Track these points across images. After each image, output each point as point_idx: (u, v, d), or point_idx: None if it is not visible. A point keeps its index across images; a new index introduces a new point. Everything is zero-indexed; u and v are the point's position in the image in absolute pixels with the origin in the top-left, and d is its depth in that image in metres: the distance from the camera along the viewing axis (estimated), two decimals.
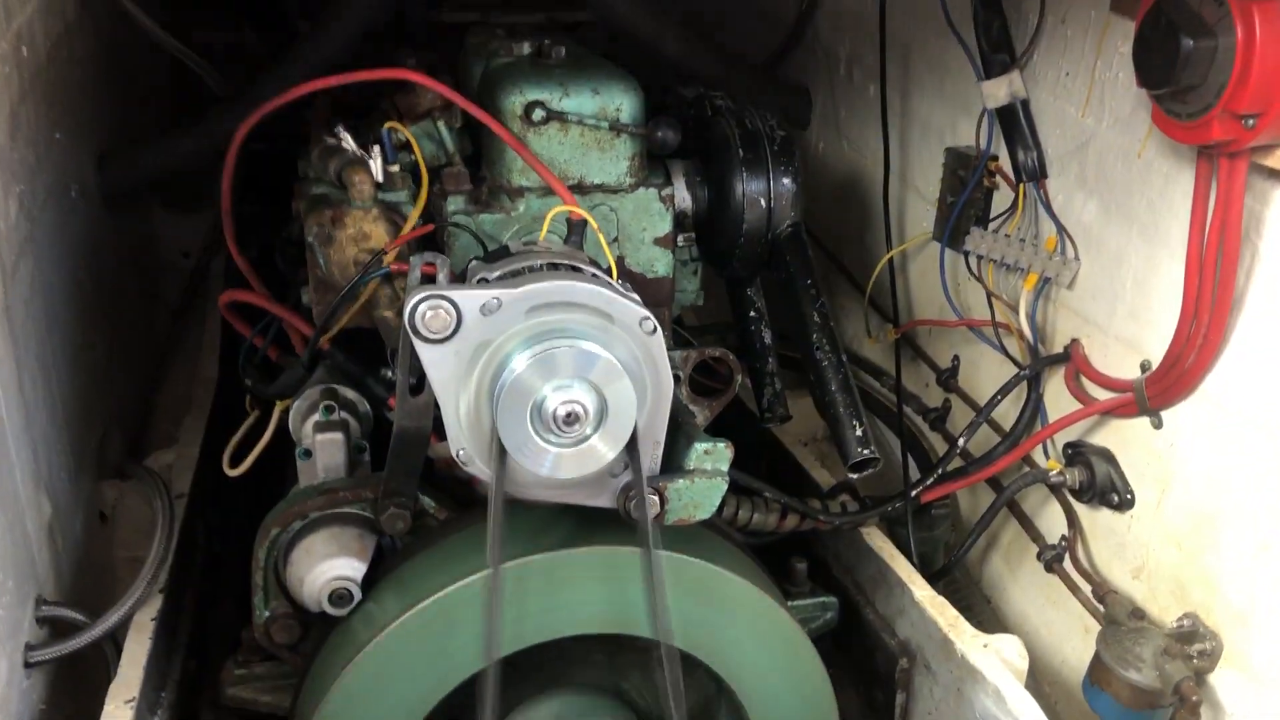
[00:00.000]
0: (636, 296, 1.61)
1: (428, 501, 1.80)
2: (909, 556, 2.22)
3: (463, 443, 1.55)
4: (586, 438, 1.51)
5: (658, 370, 1.58)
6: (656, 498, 1.62)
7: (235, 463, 2.08)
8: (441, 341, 1.49)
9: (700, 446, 1.65)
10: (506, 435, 1.50)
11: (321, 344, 1.82)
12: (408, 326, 1.48)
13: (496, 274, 1.60)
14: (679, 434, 1.70)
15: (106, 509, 2.62)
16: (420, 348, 1.50)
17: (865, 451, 1.88)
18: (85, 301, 2.54)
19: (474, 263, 1.66)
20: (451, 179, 1.88)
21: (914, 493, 2.26)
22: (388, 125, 1.82)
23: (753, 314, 2.26)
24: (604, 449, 1.52)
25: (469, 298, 1.49)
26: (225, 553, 2.53)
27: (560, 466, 1.51)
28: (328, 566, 1.74)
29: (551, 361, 1.49)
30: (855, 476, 1.97)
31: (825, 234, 3.16)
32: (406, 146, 1.88)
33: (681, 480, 1.63)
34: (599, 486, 1.63)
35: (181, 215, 3.59)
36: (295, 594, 1.79)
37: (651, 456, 1.63)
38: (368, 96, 2.11)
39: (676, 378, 1.93)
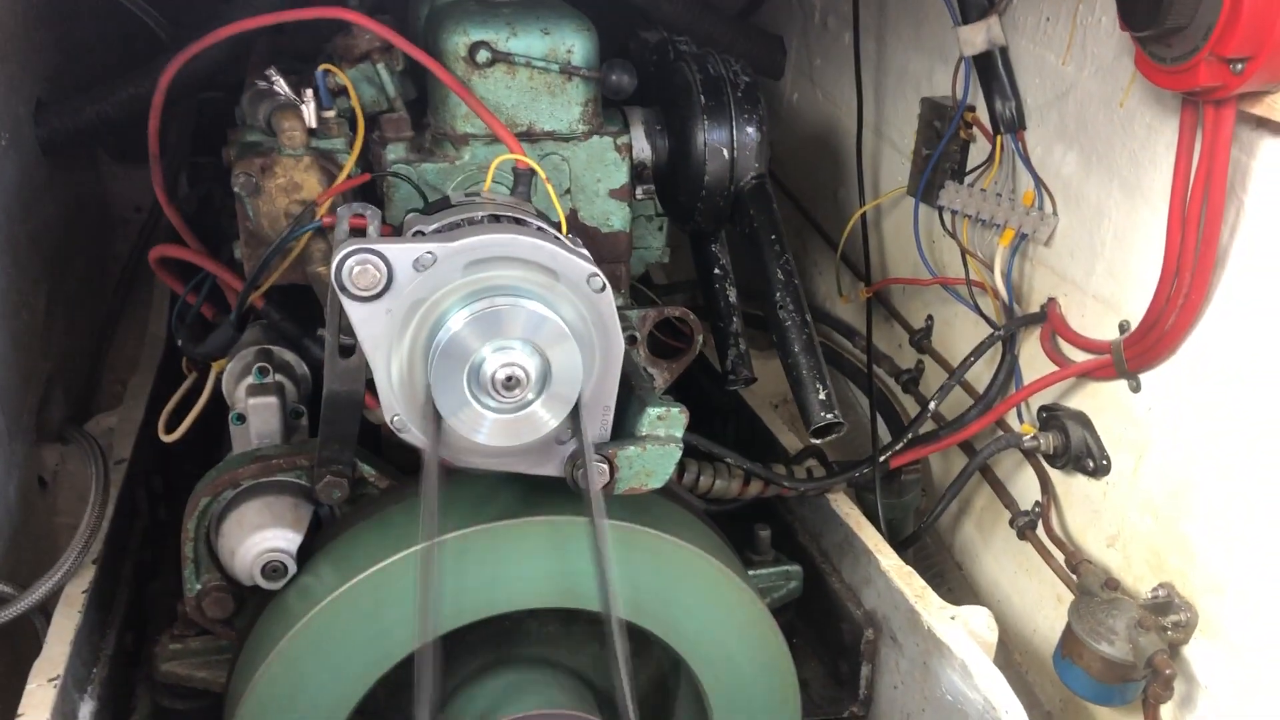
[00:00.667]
0: (585, 251, 1.52)
1: (367, 469, 1.71)
2: (876, 524, 2.14)
3: (396, 407, 1.46)
4: (528, 403, 1.42)
5: (607, 331, 1.49)
6: (606, 466, 1.53)
7: (172, 428, 1.97)
8: (372, 299, 1.39)
9: (653, 411, 1.55)
10: (441, 399, 1.40)
11: (254, 302, 1.71)
12: (334, 283, 1.38)
13: (434, 227, 1.50)
14: (631, 398, 1.60)
15: (47, 474, 2.52)
16: (349, 306, 1.40)
17: (828, 416, 1.79)
18: (21, 257, 2.43)
19: (410, 214, 1.56)
20: (391, 125, 1.77)
21: (883, 458, 2.18)
22: (323, 67, 1.70)
23: (716, 271, 2.16)
24: (546, 415, 1.42)
25: (401, 251, 1.39)
26: (170, 521, 2.44)
27: (499, 433, 1.42)
28: (260, 538, 1.65)
29: (490, 320, 1.40)
30: (818, 442, 1.88)
31: (798, 188, 3.07)
32: (343, 91, 1.76)
33: (632, 447, 1.54)
34: (544, 454, 1.53)
35: (132, 168, 3.45)
36: (228, 566, 1.69)
37: (600, 422, 1.54)
38: (315, 41, 1.99)
39: (633, 338, 1.84)
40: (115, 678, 1.92)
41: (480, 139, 1.79)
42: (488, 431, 1.41)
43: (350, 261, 1.37)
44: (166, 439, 1.96)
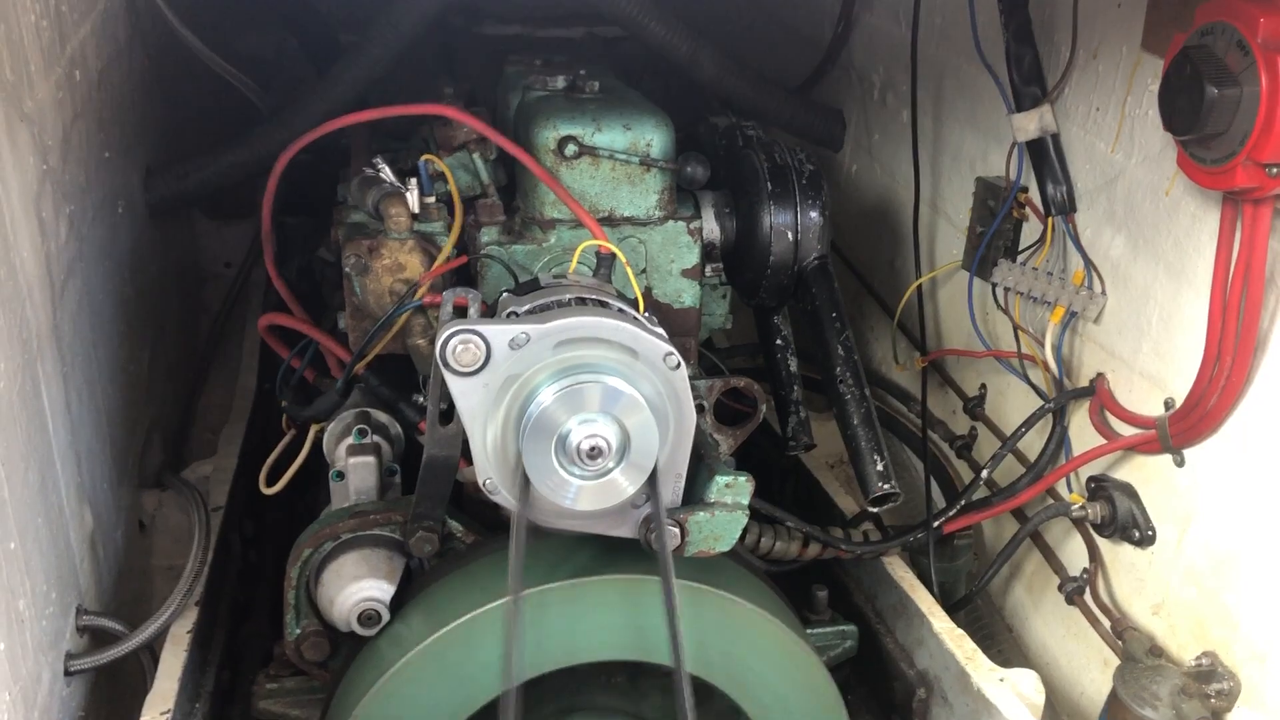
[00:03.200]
0: (662, 331, 1.65)
1: (455, 525, 1.85)
2: (930, 587, 2.24)
3: (489, 472, 1.60)
4: (609, 471, 1.55)
5: (680, 404, 1.62)
6: (677, 530, 1.66)
7: (271, 481, 2.13)
8: (471, 374, 1.54)
9: (721, 480, 1.68)
10: (531, 466, 1.54)
11: (356, 370, 1.87)
12: (439, 359, 1.53)
13: (526, 308, 1.65)
14: (701, 466, 1.73)
15: (145, 518, 2.68)
16: (450, 380, 1.54)
17: (885, 486, 1.91)
18: (130, 315, 2.61)
19: (505, 295, 1.70)
20: (486, 210, 1.93)
21: (937, 523, 2.28)
22: (424, 158, 1.86)
23: (779, 342, 2.29)
24: (625, 482, 1.55)
25: (499, 333, 1.54)
26: (259, 565, 2.59)
27: (582, 498, 1.55)
28: (357, 587, 1.79)
29: (577, 396, 1.53)
30: (875, 510, 1.99)
31: (856, 256, 3.18)
32: (442, 178, 1.92)
33: (702, 513, 1.67)
34: (621, 517, 1.67)
35: (224, 225, 3.66)
36: (325, 613, 1.84)
37: (673, 489, 1.67)
38: (409, 121, 2.16)
39: (700, 407, 1.97)
40: (214, 713, 2.07)
41: (565, 224, 1.95)
42: (573, 497, 1.55)
43: (454, 340, 1.52)
44: (267, 491, 2.11)
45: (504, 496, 1.61)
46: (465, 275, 1.91)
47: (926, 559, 2.31)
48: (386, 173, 1.88)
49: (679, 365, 1.59)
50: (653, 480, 1.60)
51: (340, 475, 1.92)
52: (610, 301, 1.69)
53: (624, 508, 1.65)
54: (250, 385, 3.02)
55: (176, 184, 2.89)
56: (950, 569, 2.42)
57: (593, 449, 1.53)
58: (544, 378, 1.55)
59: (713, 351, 2.66)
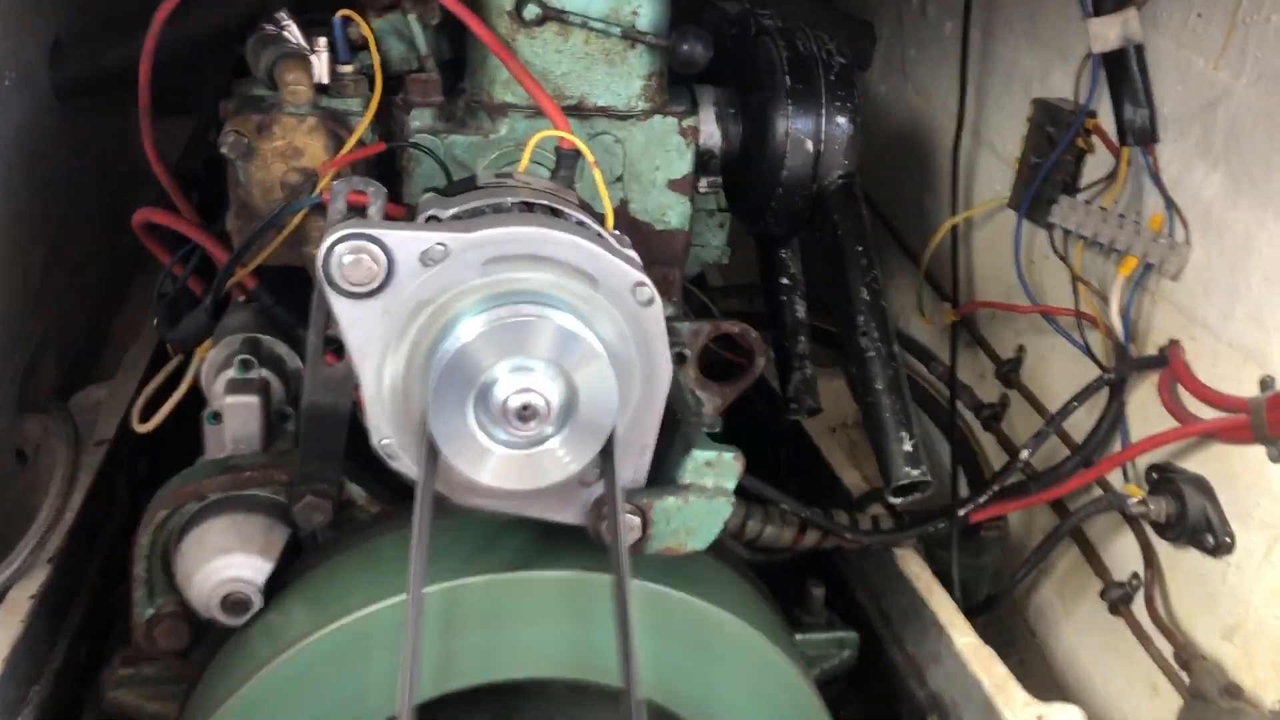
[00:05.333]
0: (634, 254, 1.24)
1: (356, 490, 1.44)
2: (950, 588, 1.84)
3: (386, 430, 1.18)
4: (544, 438, 1.14)
5: (652, 352, 1.20)
6: (638, 519, 1.25)
7: (149, 415, 1.72)
8: (366, 296, 1.12)
9: (700, 456, 1.27)
10: (439, 425, 1.12)
11: (244, 282, 1.45)
12: (321, 274, 1.11)
13: (451, 212, 1.22)
14: (675, 436, 1.32)
15: (29, 448, 2.29)
16: (337, 302, 1.13)
17: (914, 472, 1.50)
18: (17, 207, 2.19)
19: (427, 195, 1.28)
20: (418, 87, 1.49)
21: (963, 511, 1.87)
22: (342, 13, 1.43)
23: (785, 281, 1.87)
24: (567, 456, 1.14)
25: (405, 241, 1.12)
26: None
27: (506, 473, 1.14)
28: (222, 564, 1.39)
29: (509, 334, 1.12)
30: (898, 501, 1.58)
31: (879, 192, 2.75)
32: (365, 44, 1.49)
33: (672, 499, 1.26)
34: (564, 498, 1.26)
35: (165, 119, 3.21)
36: (184, 591, 1.43)
37: (635, 465, 1.26)
38: None
39: (681, 357, 1.56)
40: (60, 698, 1.67)
41: (521, 110, 1.51)
42: (493, 470, 1.14)
43: (341, 248, 1.10)
44: (140, 429, 1.71)
45: (406, 464, 1.20)
46: (390, 171, 1.49)
47: (948, 553, 1.91)
48: (292, 30, 1.44)
49: (652, 300, 1.18)
50: (607, 454, 1.19)
51: (216, 417, 1.51)
52: (567, 211, 1.26)
53: (569, 486, 1.24)
54: None
55: (91, 61, 2.46)
56: (974, 566, 2.02)
57: (525, 407, 1.12)
58: (466, 306, 1.14)
59: (703, 290, 2.24)
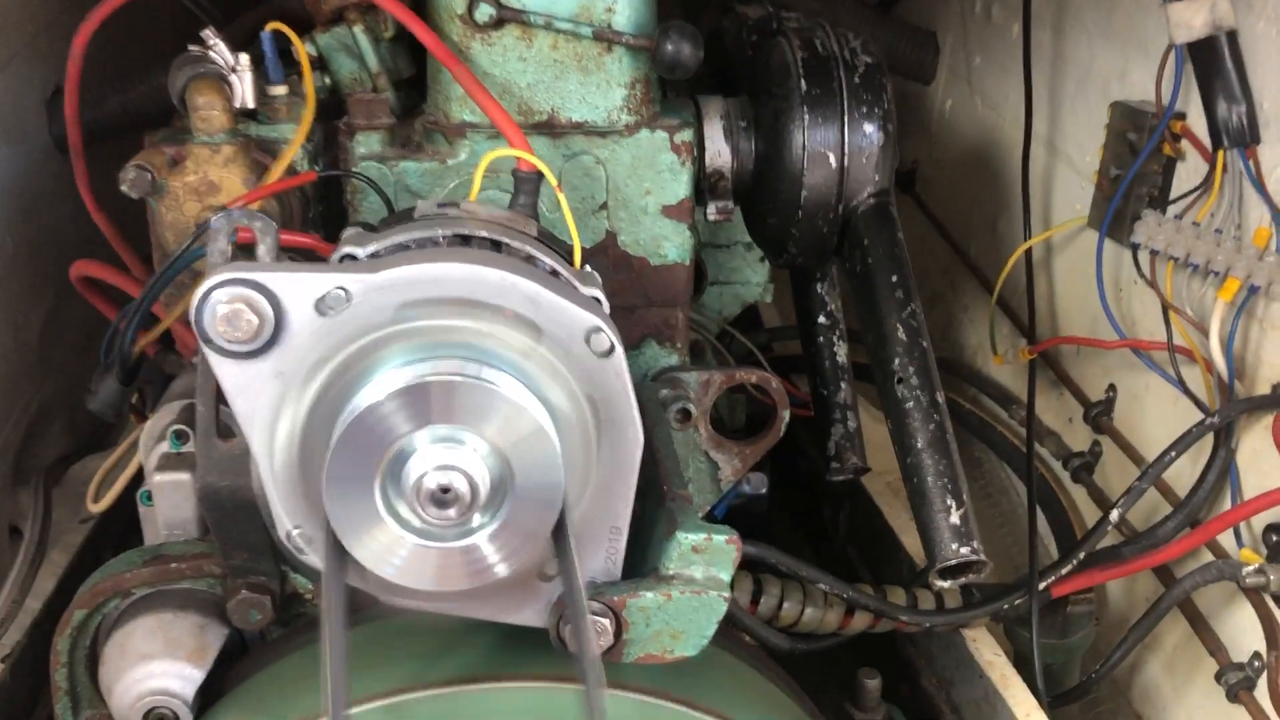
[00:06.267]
0: (595, 293, 1.01)
1: (300, 581, 1.22)
2: (1032, 677, 1.56)
3: (288, 516, 0.97)
4: (470, 529, 0.91)
5: (617, 416, 0.97)
6: (609, 620, 1.01)
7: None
8: (250, 355, 0.92)
9: (686, 540, 1.03)
10: (337, 507, 0.90)
11: (143, 348, 1.26)
12: (196, 329, 0.91)
13: (370, 249, 1.01)
14: (658, 512, 1.08)
15: (23, 524, 2.15)
16: (218, 364, 0.92)
17: (964, 550, 1.23)
18: (9, 268, 2.07)
19: (350, 230, 1.07)
20: (361, 108, 1.29)
21: (1044, 584, 1.59)
22: (271, 27, 1.24)
23: (822, 320, 1.62)
24: (494, 553, 0.91)
25: (296, 283, 0.91)
26: None
27: (420, 571, 0.91)
28: (144, 672, 1.19)
29: (421, 396, 0.89)
30: (945, 585, 1.31)
31: (948, 216, 2.52)
32: (316, 61, 1.30)
33: (650, 594, 1.01)
34: (520, 595, 1.03)
35: None
36: (108, 704, 1.23)
37: (607, 553, 1.02)
38: None
39: (687, 413, 1.32)
40: None
41: (482, 131, 1.30)
42: (404, 566, 0.91)
43: (218, 296, 0.90)
44: (93, 508, 1.53)
45: (317, 557, 0.98)
46: (334, 207, 1.29)
47: (1028, 632, 1.62)
48: (220, 49, 1.25)
49: (611, 350, 0.95)
50: (560, 541, 0.95)
51: (149, 497, 1.31)
52: (514, 245, 1.04)
53: (526, 581, 1.01)
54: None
55: (91, 110, 2.34)
56: (1061, 647, 1.73)
57: (444, 489, 0.89)
58: (372, 363, 0.92)
59: (747, 333, 2.01)
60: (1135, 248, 1.77)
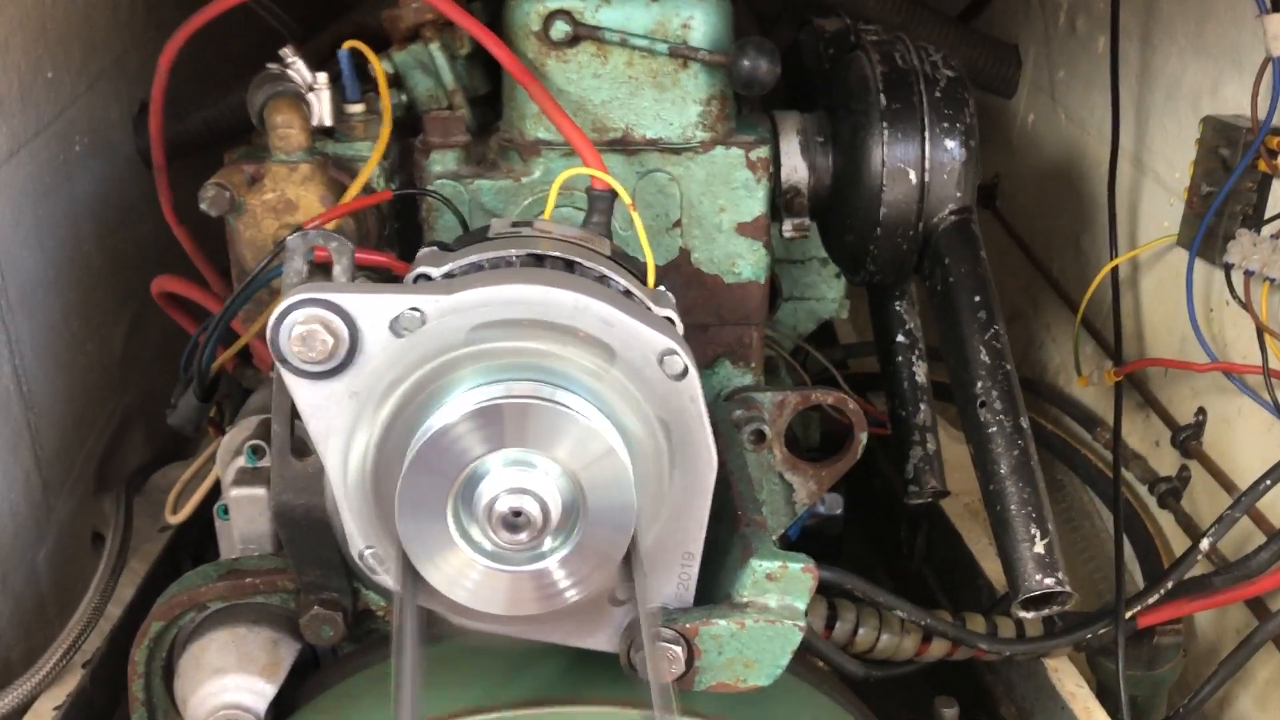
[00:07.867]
0: (670, 314, 0.99)
1: (373, 598, 1.22)
2: (1117, 712, 1.51)
3: (361, 537, 0.97)
4: (541, 553, 0.90)
5: (691, 440, 0.95)
6: (680, 648, 0.99)
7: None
8: (325, 375, 0.92)
9: (761, 567, 1.01)
10: (410, 531, 0.90)
11: (222, 363, 1.27)
12: (272, 350, 0.91)
13: (445, 269, 1.01)
14: (733, 538, 1.06)
15: (105, 530, 2.19)
16: (294, 384, 0.92)
17: (1048, 581, 1.19)
18: (93, 280, 2.11)
19: (426, 250, 1.07)
20: (437, 126, 1.30)
21: (1130, 613, 1.54)
22: (348, 45, 1.24)
23: (900, 339, 1.59)
24: (566, 577, 0.90)
25: (371, 305, 0.91)
26: None
27: (492, 594, 0.91)
28: (217, 686, 1.20)
29: (494, 419, 0.89)
30: (1029, 616, 1.27)
31: (1031, 233, 2.46)
32: (392, 79, 1.31)
33: (724, 622, 1.00)
34: (591, 620, 1.02)
35: None
36: (183, 716, 1.25)
37: (679, 579, 1.01)
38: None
39: (761, 434, 1.30)
40: None
41: (557, 149, 1.30)
42: (474, 589, 0.90)
43: (294, 318, 0.90)
44: (172, 520, 1.55)
45: (390, 577, 0.98)
46: (410, 225, 1.29)
47: (1113, 663, 1.57)
48: (298, 67, 1.26)
49: (685, 373, 0.93)
50: (630, 567, 0.94)
51: (225, 511, 1.33)
52: (587, 265, 1.03)
53: (597, 605, 1.00)
54: None
55: (174, 124, 2.39)
56: (1147, 679, 1.67)
57: (516, 513, 0.88)
58: (447, 384, 0.91)
59: (822, 350, 1.98)
60: (1228, 268, 1.71)
